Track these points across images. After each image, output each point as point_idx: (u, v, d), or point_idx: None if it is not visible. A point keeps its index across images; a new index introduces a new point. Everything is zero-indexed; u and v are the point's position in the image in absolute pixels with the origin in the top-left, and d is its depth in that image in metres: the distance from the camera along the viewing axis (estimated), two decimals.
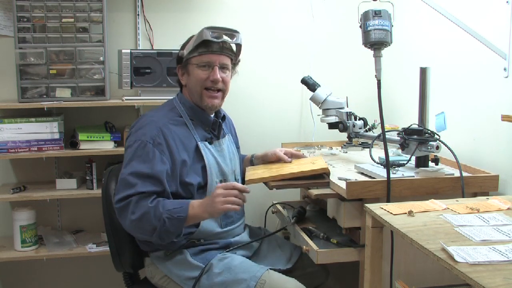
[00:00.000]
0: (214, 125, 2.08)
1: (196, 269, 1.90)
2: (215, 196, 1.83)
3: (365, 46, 2.01)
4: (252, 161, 2.33)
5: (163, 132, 1.92)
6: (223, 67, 2.02)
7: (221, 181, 2.05)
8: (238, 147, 2.32)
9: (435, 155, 2.14)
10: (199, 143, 2.00)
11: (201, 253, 1.96)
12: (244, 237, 2.12)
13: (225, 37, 2.01)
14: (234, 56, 2.08)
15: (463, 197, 1.91)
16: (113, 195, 2.00)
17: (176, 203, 1.84)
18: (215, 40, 1.97)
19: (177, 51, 2.57)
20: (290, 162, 2.22)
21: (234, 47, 2.08)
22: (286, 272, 1.99)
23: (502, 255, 1.27)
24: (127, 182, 1.85)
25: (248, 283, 1.84)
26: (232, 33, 2.04)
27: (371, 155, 2.18)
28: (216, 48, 1.99)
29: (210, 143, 2.05)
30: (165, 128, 1.93)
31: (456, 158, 2.02)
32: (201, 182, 1.98)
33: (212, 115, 2.10)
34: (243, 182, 2.20)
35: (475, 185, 1.99)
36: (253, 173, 2.18)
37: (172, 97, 2.14)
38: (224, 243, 2.01)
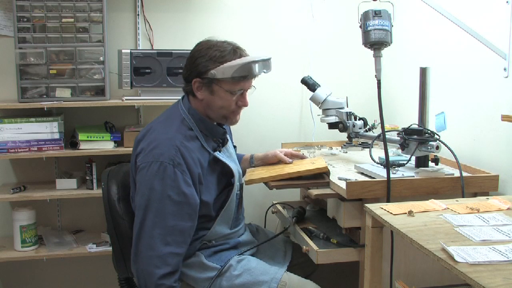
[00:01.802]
0: (223, 135, 2.06)
1: (212, 270, 1.91)
2: None
3: (365, 46, 2.01)
4: (251, 161, 2.34)
5: (180, 151, 1.83)
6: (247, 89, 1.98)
7: (241, 185, 2.07)
8: (234, 146, 2.32)
9: (435, 155, 2.14)
10: (215, 154, 1.96)
11: (215, 254, 1.96)
12: (248, 235, 2.15)
13: (265, 68, 1.94)
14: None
15: (463, 197, 1.91)
16: (117, 200, 1.99)
17: None
18: (257, 74, 1.91)
19: (178, 51, 2.61)
20: (291, 163, 2.23)
21: None
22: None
23: (502, 255, 1.27)
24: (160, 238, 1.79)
25: (270, 284, 1.87)
26: (269, 63, 1.96)
27: (371, 155, 2.18)
28: (251, 77, 1.93)
29: (219, 151, 2.02)
30: (182, 146, 1.84)
31: (456, 158, 2.02)
32: (214, 196, 1.96)
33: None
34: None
35: (475, 185, 1.99)
36: (253, 173, 2.19)
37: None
38: (234, 243, 2.03)
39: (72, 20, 2.55)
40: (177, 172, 1.80)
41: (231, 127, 2.33)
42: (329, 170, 2.12)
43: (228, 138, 2.15)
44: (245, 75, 1.87)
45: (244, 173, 2.26)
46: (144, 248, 1.79)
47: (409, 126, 2.09)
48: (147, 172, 1.81)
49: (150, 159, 1.82)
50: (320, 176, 2.11)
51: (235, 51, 1.91)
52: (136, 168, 1.88)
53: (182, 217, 1.81)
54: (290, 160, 2.25)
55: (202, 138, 1.94)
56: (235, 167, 2.04)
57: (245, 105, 1.97)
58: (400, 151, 2.15)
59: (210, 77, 1.88)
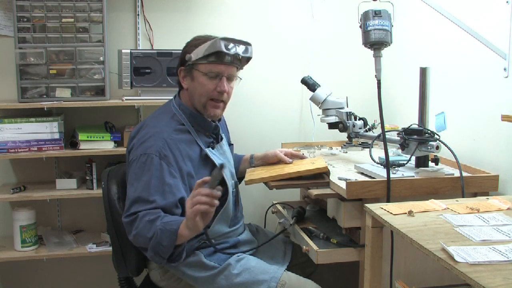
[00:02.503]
0: (215, 130, 2.07)
1: (211, 269, 1.92)
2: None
3: (365, 46, 2.01)
4: (251, 161, 2.34)
5: (168, 143, 1.87)
6: (229, 78, 1.98)
7: (235, 183, 2.08)
8: (231, 144, 2.32)
9: (435, 155, 2.14)
10: (206, 150, 1.98)
11: (214, 254, 1.97)
12: (247, 234, 2.15)
13: (238, 50, 1.95)
14: (241, 66, 2.04)
15: (463, 197, 1.91)
16: (117, 199, 2.00)
17: (173, 217, 1.78)
18: (228, 52, 1.92)
19: (178, 51, 2.58)
20: (291, 163, 2.23)
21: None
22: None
23: (502, 255, 1.27)
24: (138, 199, 1.80)
25: (269, 283, 1.88)
26: (246, 46, 1.98)
27: (371, 155, 2.18)
28: (227, 60, 1.93)
29: (213, 148, 2.03)
30: (169, 139, 1.88)
31: (456, 158, 2.02)
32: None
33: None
34: (241, 182, 2.21)
35: (475, 185, 1.99)
36: (253, 173, 2.19)
37: (169, 98, 2.12)
38: (233, 242, 2.04)
39: (72, 20, 2.55)
40: (162, 163, 1.84)
41: (228, 126, 2.34)
42: (329, 170, 2.12)
43: (223, 136, 2.16)
44: (215, 51, 1.90)
45: (244, 173, 2.26)
46: (130, 235, 1.82)
47: (409, 126, 2.09)
48: (136, 165, 1.86)
49: (139, 152, 1.87)
50: (320, 176, 2.11)
51: (214, 38, 1.94)
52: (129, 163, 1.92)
53: None
54: (290, 160, 2.25)
55: (194, 133, 1.98)
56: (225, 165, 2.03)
57: (223, 89, 1.96)
58: (400, 151, 2.15)
59: (187, 59, 1.94)
